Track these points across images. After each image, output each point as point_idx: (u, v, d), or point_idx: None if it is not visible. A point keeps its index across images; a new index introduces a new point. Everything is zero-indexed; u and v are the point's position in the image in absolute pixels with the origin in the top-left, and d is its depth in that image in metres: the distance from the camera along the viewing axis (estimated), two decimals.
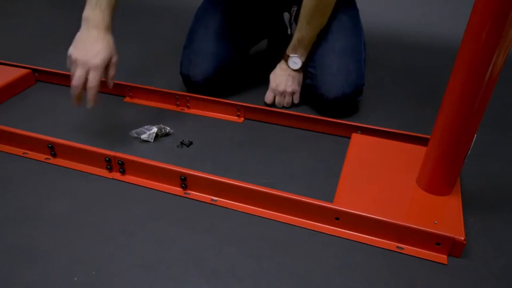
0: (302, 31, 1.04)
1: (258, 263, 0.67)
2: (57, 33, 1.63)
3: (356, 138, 0.94)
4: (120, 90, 1.15)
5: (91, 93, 0.82)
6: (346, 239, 0.72)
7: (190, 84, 1.12)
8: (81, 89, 0.83)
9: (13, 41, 1.53)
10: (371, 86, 1.23)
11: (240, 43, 1.18)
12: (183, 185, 0.81)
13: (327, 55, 1.05)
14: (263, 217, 0.76)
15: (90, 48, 0.81)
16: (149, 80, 1.21)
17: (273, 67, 1.13)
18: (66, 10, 1.91)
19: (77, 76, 0.81)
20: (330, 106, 1.06)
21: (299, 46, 1.06)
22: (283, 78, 1.09)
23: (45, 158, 0.89)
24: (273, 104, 1.12)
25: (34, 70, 1.21)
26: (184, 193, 0.81)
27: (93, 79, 0.82)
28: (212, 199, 0.80)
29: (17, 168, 0.87)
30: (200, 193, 0.81)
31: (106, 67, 0.85)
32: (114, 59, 0.86)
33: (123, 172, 0.85)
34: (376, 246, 0.71)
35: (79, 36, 0.84)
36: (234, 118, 1.07)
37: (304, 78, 1.11)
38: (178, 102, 1.11)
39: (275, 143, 0.97)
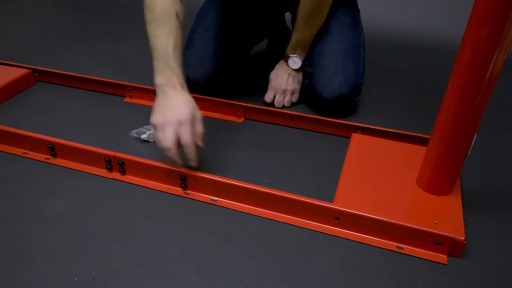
0: (300, 32, 1.04)
1: (258, 263, 0.67)
2: (57, 33, 1.63)
3: (356, 138, 0.94)
4: (120, 90, 1.15)
5: (190, 151, 0.77)
6: (346, 239, 0.72)
7: (191, 85, 1.12)
8: (177, 149, 0.77)
9: (13, 41, 1.53)
10: (371, 86, 1.23)
11: (241, 44, 1.18)
12: (183, 185, 0.81)
13: (325, 55, 1.05)
14: (263, 217, 0.76)
15: (173, 106, 0.77)
16: (149, 80, 1.21)
17: (273, 67, 1.13)
18: (66, 10, 1.91)
19: (168, 137, 0.75)
20: (327, 106, 1.06)
21: (297, 47, 1.06)
22: (284, 77, 1.10)
23: (45, 158, 0.89)
24: (272, 103, 1.12)
25: (34, 70, 1.21)
26: (184, 193, 0.81)
27: (186, 134, 0.75)
28: (212, 199, 0.80)
29: (17, 168, 0.87)
30: (200, 193, 0.81)
31: (192, 123, 0.77)
32: (198, 115, 0.79)
33: (123, 172, 0.85)
34: (376, 246, 0.71)
35: (157, 103, 0.79)
36: (234, 118, 1.07)
37: (303, 78, 1.12)
38: None
39: (275, 143, 0.97)
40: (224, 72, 1.12)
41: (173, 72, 0.80)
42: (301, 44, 1.06)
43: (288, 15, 1.34)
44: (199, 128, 0.78)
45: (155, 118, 0.77)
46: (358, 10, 1.13)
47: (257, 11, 1.19)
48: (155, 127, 0.77)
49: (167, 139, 0.75)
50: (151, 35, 0.82)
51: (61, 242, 0.70)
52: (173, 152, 0.76)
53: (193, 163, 0.78)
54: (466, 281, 0.65)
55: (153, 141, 0.96)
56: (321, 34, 1.06)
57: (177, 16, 0.82)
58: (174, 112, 0.75)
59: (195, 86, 1.11)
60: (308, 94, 1.11)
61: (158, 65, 0.80)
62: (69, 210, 0.77)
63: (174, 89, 0.79)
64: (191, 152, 0.77)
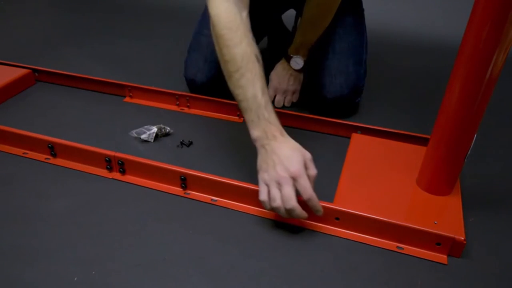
0: (306, 34, 1.03)
1: (258, 263, 0.67)
2: (57, 33, 1.63)
3: (356, 138, 0.94)
4: (120, 90, 1.15)
5: (313, 203, 0.69)
6: (346, 239, 0.72)
7: (195, 88, 1.12)
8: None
9: (13, 41, 1.53)
10: (371, 86, 1.23)
11: None
12: (183, 185, 0.81)
13: (327, 56, 1.05)
14: (263, 217, 0.76)
15: (281, 160, 0.68)
16: (149, 80, 1.21)
17: (273, 66, 1.13)
18: (66, 10, 1.91)
19: (289, 196, 0.67)
20: (328, 106, 1.06)
21: (301, 48, 1.06)
22: (286, 77, 1.09)
23: (45, 158, 0.89)
24: (272, 103, 1.11)
25: (34, 70, 1.21)
26: (184, 193, 0.81)
27: (305, 188, 0.67)
28: (212, 199, 0.80)
29: (17, 168, 0.87)
30: (200, 193, 0.81)
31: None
32: (308, 156, 0.71)
33: (123, 172, 0.85)
34: (376, 246, 0.71)
35: (262, 159, 0.71)
36: (234, 118, 1.07)
37: (304, 77, 1.11)
38: (178, 102, 1.11)
39: None
40: None
41: (269, 120, 0.72)
42: (306, 45, 1.05)
43: (286, 15, 1.34)
44: (312, 170, 0.70)
45: (265, 176, 0.70)
46: (362, 10, 1.13)
47: (264, 8, 1.18)
48: (265, 185, 0.70)
49: (290, 199, 0.67)
50: (235, 87, 0.75)
51: (61, 242, 0.70)
52: (298, 211, 0.68)
53: (320, 213, 0.70)
54: (466, 281, 0.65)
55: (153, 141, 0.96)
56: (325, 33, 1.05)
57: (258, 59, 0.75)
58: (285, 166, 0.67)
59: (200, 88, 1.10)
60: (309, 93, 1.10)
61: (250, 117, 0.73)
62: (69, 210, 0.77)
63: (275, 140, 0.71)
64: (315, 204, 0.69)
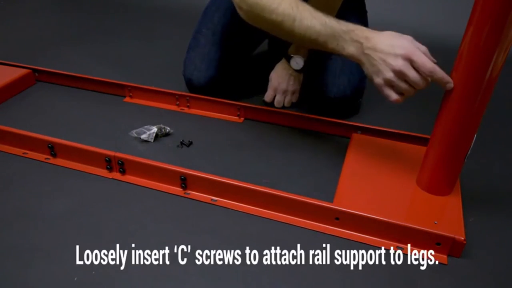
0: None
1: (258, 263, 0.67)
2: (57, 33, 1.63)
3: (356, 138, 0.94)
4: (120, 90, 1.15)
5: (439, 75, 0.68)
6: (346, 239, 0.72)
7: (193, 88, 1.12)
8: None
9: (13, 41, 1.53)
10: (371, 86, 1.23)
11: (245, 46, 1.18)
12: (183, 185, 0.81)
13: (331, 56, 1.05)
14: (263, 217, 0.76)
15: (386, 52, 0.70)
16: (149, 80, 1.21)
17: (273, 67, 1.13)
18: (67, 10, 1.91)
19: (417, 77, 0.69)
20: (330, 106, 1.05)
21: (301, 47, 1.06)
22: (286, 78, 1.09)
23: (45, 158, 0.89)
24: (272, 103, 1.12)
25: (34, 70, 1.21)
26: (184, 193, 0.81)
27: (423, 62, 0.68)
28: (212, 199, 0.80)
29: (17, 168, 0.87)
30: (200, 193, 0.81)
31: None
32: (410, 37, 0.74)
33: (123, 172, 0.85)
34: (376, 246, 0.71)
35: (369, 65, 0.73)
36: (234, 118, 1.07)
37: (306, 77, 1.11)
38: (178, 102, 1.11)
39: (275, 143, 0.97)
40: (227, 75, 1.12)
41: (350, 29, 0.74)
42: (306, 46, 1.05)
43: None
44: (421, 46, 0.72)
45: (383, 79, 0.71)
46: (366, 12, 1.12)
47: None
48: (388, 87, 0.72)
49: (420, 79, 0.68)
50: (303, 31, 0.77)
51: (61, 242, 0.70)
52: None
53: (451, 84, 0.68)
54: (466, 281, 0.65)
55: (153, 141, 0.96)
56: None
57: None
58: (394, 55, 0.69)
59: (198, 87, 1.10)
60: (311, 93, 1.10)
61: (334, 42, 0.75)
62: (69, 210, 0.77)
63: (371, 39, 0.71)
64: (441, 75, 0.68)
